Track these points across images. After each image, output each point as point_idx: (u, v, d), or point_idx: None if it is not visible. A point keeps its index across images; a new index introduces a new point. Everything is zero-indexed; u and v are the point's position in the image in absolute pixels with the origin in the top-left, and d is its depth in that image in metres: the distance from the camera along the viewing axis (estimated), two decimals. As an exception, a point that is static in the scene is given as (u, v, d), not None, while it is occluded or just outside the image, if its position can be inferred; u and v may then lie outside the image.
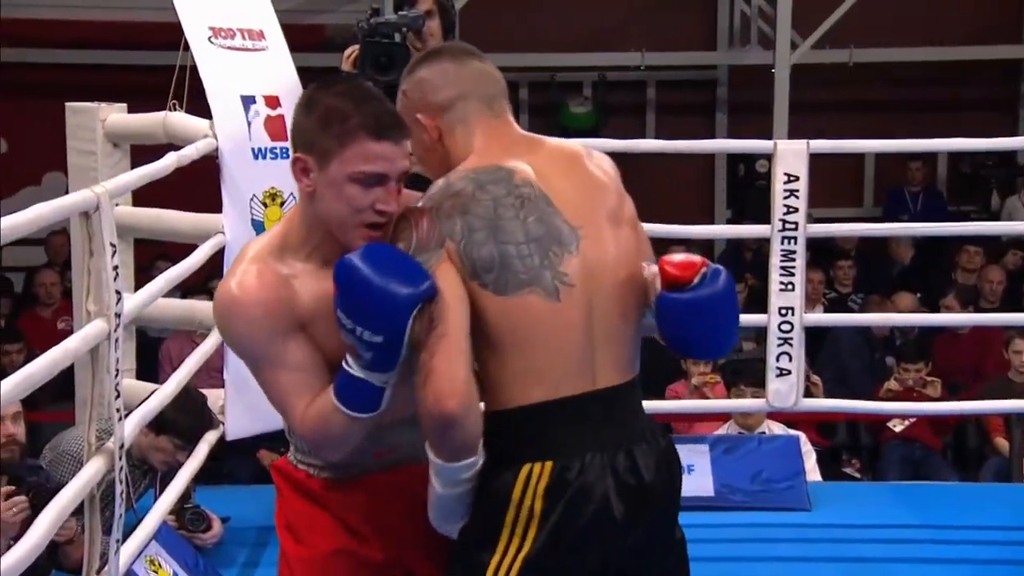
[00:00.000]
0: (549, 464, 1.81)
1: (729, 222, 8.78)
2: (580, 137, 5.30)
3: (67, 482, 2.34)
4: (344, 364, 1.78)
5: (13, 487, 3.05)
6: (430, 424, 1.77)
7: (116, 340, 2.38)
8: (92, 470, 2.36)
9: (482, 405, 1.84)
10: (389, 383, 1.78)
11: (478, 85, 1.91)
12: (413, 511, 1.94)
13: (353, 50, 3.77)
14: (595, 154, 1.99)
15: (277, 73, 3.77)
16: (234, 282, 1.86)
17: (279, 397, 1.87)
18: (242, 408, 3.56)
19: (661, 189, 8.67)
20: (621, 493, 1.84)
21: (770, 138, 5.61)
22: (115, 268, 2.41)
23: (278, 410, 1.89)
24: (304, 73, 3.82)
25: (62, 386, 4.24)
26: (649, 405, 4.60)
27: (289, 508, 2.02)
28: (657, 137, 7.94)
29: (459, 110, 1.90)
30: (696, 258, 1.89)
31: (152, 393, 3.03)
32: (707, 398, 5.03)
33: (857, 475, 5.49)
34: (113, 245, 2.39)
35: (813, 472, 4.38)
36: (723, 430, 4.68)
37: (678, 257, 1.88)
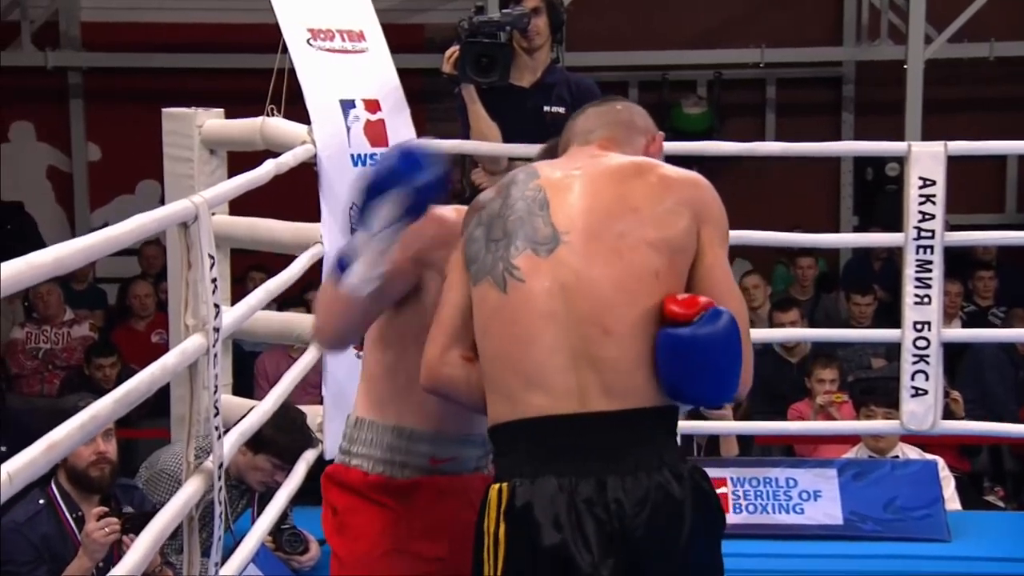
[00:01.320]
0: (507, 485, 1.92)
1: (855, 230, 8.64)
2: (693, 140, 5.28)
3: (164, 502, 2.40)
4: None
5: (105, 508, 3.13)
6: None
7: (215, 355, 2.43)
8: (191, 490, 2.41)
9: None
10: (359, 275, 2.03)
11: (580, 127, 2.16)
12: (461, 514, 2.14)
13: (454, 51, 3.80)
14: (663, 173, 2.00)
15: (377, 76, 3.81)
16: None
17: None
18: (341, 425, 3.60)
19: (782, 195, 8.57)
20: (582, 526, 1.86)
21: (901, 139, 5.51)
22: (213, 280, 2.47)
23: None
24: (404, 75, 3.87)
25: (155, 402, 4.36)
26: (770, 426, 4.55)
27: (342, 510, 2.25)
28: (778, 139, 7.86)
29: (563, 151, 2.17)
30: (701, 298, 1.92)
31: (250, 410, 3.08)
32: (833, 419, 4.95)
33: (1001, 504, 5.35)
34: (211, 256, 2.45)
35: (952, 500, 4.29)
36: (852, 454, 4.60)
37: (682, 295, 1.93)
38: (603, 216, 1.95)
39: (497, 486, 1.93)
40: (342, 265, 2.05)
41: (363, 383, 2.30)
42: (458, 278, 2.04)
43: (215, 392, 2.45)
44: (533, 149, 3.83)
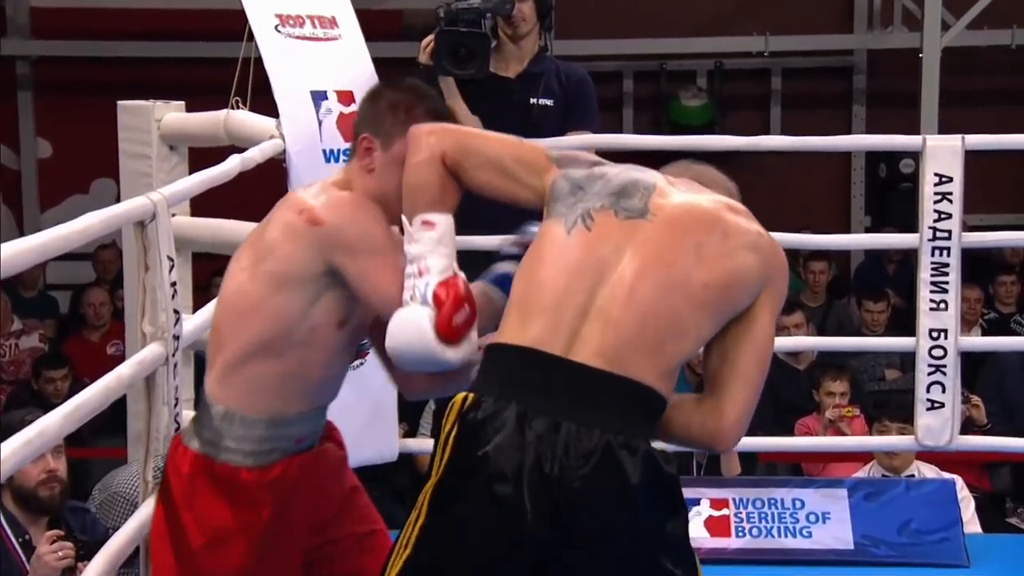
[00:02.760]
0: (472, 396, 2.08)
1: (868, 230, 8.67)
2: (693, 134, 5.26)
3: (119, 527, 2.40)
4: None
5: (60, 531, 3.13)
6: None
7: (175, 365, 2.43)
8: (148, 512, 2.41)
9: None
10: None
11: (708, 175, 2.37)
12: (330, 482, 2.44)
13: (430, 40, 3.81)
14: (759, 229, 2.21)
15: (351, 65, 3.81)
16: (339, 193, 2.35)
17: (396, 287, 2.24)
18: (381, 436, 3.62)
19: (788, 194, 8.58)
20: (523, 458, 2.00)
21: (916, 133, 5.53)
22: (173, 284, 2.47)
23: (385, 303, 2.25)
24: (380, 64, 3.87)
25: (110, 418, 4.32)
26: (776, 442, 4.56)
27: (212, 513, 2.34)
28: (783, 133, 7.88)
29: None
30: None
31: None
32: (844, 434, 4.96)
33: (1024, 527, 5.37)
34: (171, 259, 2.45)
35: (972, 523, 4.30)
36: (863, 472, 4.61)
37: None
38: (695, 219, 2.15)
39: (464, 394, 2.09)
40: None
41: (234, 376, 2.34)
42: (533, 174, 2.23)
43: (176, 406, 2.45)
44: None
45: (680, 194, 2.20)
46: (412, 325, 2.16)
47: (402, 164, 2.28)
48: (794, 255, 7.68)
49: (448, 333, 2.16)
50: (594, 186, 2.18)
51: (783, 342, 5.58)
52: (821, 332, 6.58)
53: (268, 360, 2.31)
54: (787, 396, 5.69)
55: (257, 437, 2.33)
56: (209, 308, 3.01)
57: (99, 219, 2.18)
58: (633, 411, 2.07)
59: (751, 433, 4.62)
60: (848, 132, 8.43)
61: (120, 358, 3.89)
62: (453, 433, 2.05)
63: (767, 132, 8.47)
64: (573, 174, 2.20)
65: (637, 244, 2.11)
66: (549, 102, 3.92)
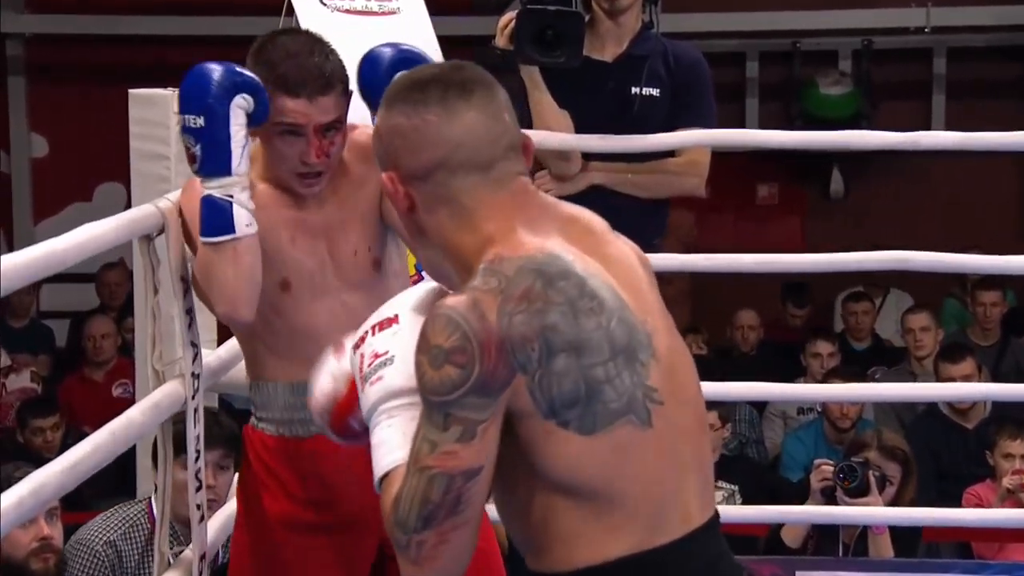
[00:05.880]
0: None
1: (1056, 251, 8.57)
2: (836, 128, 5.21)
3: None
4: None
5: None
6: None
7: (195, 410, 2.46)
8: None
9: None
10: (235, 199, 2.53)
11: (468, 148, 1.97)
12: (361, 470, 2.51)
13: (510, 19, 3.82)
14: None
15: (411, 45, 3.84)
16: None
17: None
18: None
19: (955, 204, 8.50)
20: None
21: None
22: (188, 311, 2.50)
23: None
24: (446, 44, 3.90)
25: (117, 474, 4.38)
26: (939, 516, 4.50)
27: (246, 476, 2.69)
28: (948, 128, 7.81)
29: (442, 185, 1.97)
30: None
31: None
32: (1025, 507, 4.91)
33: None
34: (184, 280, 2.48)
35: None
36: (1050, 555, 4.56)
37: None
38: (644, 284, 2.05)
39: None
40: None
41: (243, 346, 2.68)
42: (493, 466, 1.95)
43: (197, 460, 2.48)
44: (616, 143, 3.86)
45: (612, 263, 2.02)
46: None
47: (272, 138, 2.69)
48: (961, 281, 7.60)
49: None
50: (603, 350, 1.96)
51: (945, 391, 5.52)
52: (995, 378, 6.50)
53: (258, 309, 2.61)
54: (952, 460, 5.62)
55: (283, 403, 2.64)
56: (235, 341, 3.04)
57: (101, 230, 2.21)
58: None
59: (908, 504, 4.61)
60: (1030, 127, 8.34)
61: (128, 401, 3.95)
62: None
63: (927, 127, 8.39)
64: (555, 366, 1.93)
65: (677, 366, 2.05)
66: (655, 91, 3.92)
